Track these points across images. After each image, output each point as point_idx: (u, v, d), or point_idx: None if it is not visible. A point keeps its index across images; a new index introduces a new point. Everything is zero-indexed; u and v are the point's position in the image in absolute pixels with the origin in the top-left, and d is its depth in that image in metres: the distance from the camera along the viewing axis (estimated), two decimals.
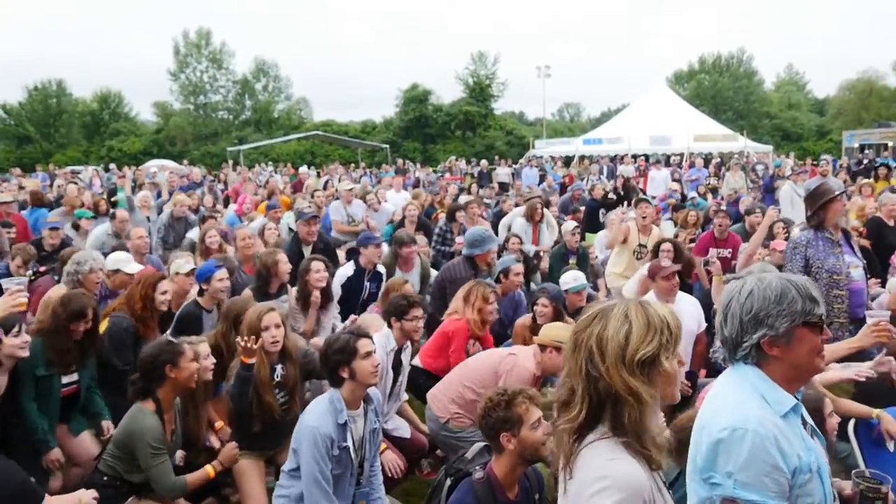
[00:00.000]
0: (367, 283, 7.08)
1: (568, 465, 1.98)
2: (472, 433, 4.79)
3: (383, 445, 4.59)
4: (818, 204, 5.46)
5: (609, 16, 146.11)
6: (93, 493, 3.23)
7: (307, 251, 7.48)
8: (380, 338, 4.77)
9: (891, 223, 8.25)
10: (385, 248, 7.90)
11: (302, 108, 64.59)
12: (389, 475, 4.58)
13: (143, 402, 3.98)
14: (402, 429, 5.18)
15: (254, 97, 62.29)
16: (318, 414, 3.77)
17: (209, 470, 4.10)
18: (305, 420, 3.80)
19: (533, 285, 8.07)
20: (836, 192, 5.51)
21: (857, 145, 33.60)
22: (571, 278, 6.51)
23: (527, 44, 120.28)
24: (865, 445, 4.13)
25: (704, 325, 5.94)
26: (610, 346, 1.93)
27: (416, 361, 5.72)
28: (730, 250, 8.41)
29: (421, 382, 5.54)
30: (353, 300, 6.90)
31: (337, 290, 6.75)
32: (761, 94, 60.69)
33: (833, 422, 3.80)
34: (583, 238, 9.76)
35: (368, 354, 3.80)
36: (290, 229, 9.63)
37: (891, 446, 4.03)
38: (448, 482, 3.53)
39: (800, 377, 2.17)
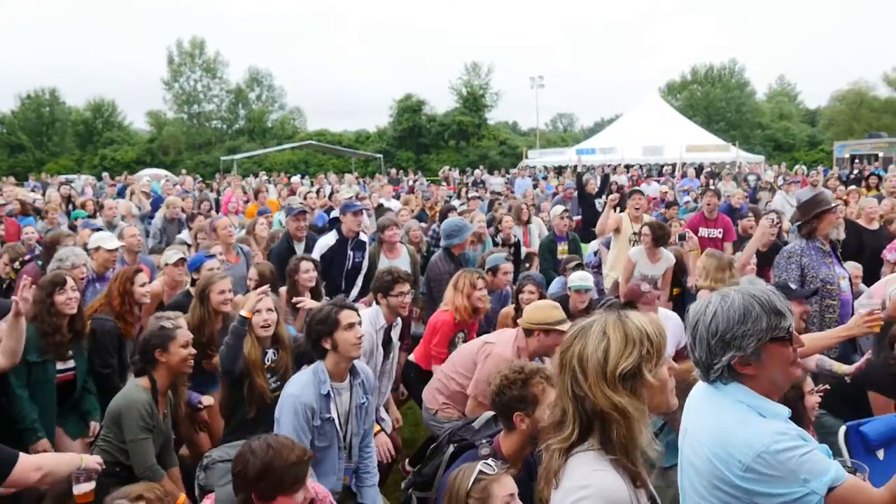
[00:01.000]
0: (350, 252, 7.07)
1: (554, 477, 1.98)
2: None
3: (377, 427, 4.55)
4: (812, 213, 5.48)
5: (602, 26, 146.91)
6: (97, 458, 3.19)
7: (299, 248, 7.42)
8: (369, 314, 4.75)
9: (872, 227, 8.30)
10: (366, 219, 7.90)
11: (296, 118, 64.71)
12: (381, 459, 4.53)
13: (140, 378, 3.99)
14: (388, 423, 5.14)
15: (247, 107, 62.34)
16: (301, 384, 3.78)
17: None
18: (287, 389, 3.81)
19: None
20: (832, 205, 5.56)
21: (847, 156, 33.74)
22: (577, 277, 6.34)
23: (520, 54, 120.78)
24: (856, 452, 4.13)
25: (684, 343, 5.86)
26: (590, 363, 1.93)
27: (412, 356, 5.72)
28: (720, 230, 8.45)
29: (412, 375, 5.58)
30: (336, 270, 6.88)
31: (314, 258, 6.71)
32: (753, 105, 61.00)
33: (812, 399, 3.81)
34: (578, 248, 9.63)
35: (351, 326, 3.79)
36: (281, 223, 9.67)
37: (881, 454, 4.04)
38: (451, 448, 3.46)
39: (778, 389, 2.15)
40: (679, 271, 7.43)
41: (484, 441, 3.31)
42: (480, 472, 2.76)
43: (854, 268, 6.77)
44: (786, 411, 2.11)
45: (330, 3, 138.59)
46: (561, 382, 2.02)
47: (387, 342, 4.98)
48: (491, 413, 3.49)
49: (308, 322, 3.89)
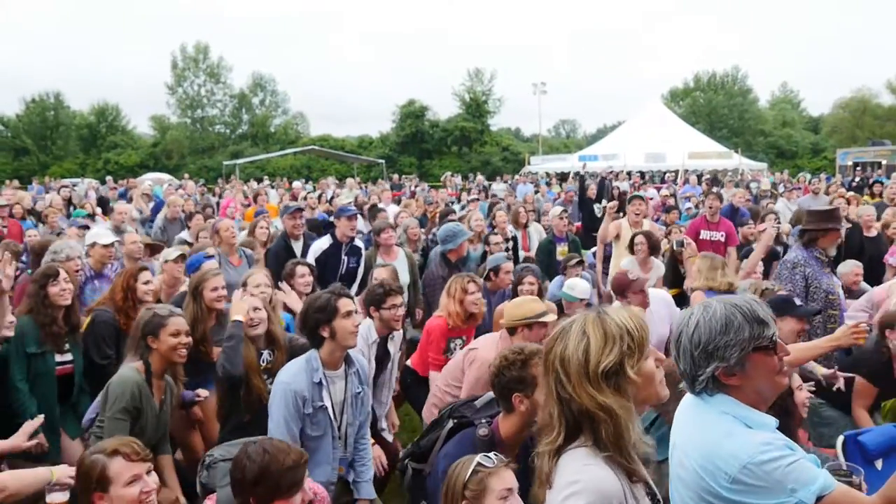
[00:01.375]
0: (344, 257, 7.04)
1: (547, 479, 1.97)
2: None
3: (371, 440, 4.50)
4: (821, 227, 5.47)
5: (605, 33, 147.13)
6: (70, 471, 3.11)
7: (297, 246, 7.42)
8: (361, 328, 4.65)
9: (871, 234, 8.41)
10: (361, 222, 7.86)
11: (299, 123, 64.81)
12: (375, 472, 4.48)
13: (136, 363, 4.01)
14: (388, 432, 5.12)
15: (251, 111, 62.47)
16: (293, 372, 3.78)
17: None
18: (279, 376, 3.82)
19: None
20: (841, 226, 5.64)
21: (850, 163, 33.72)
22: (569, 286, 6.26)
23: (523, 60, 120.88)
24: (853, 462, 4.11)
25: None
26: (572, 364, 1.92)
27: (409, 362, 5.69)
28: (722, 234, 8.41)
29: (409, 382, 5.57)
30: (330, 274, 6.84)
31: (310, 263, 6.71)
32: (756, 112, 60.95)
33: (802, 395, 3.81)
34: (578, 249, 9.59)
35: (349, 314, 3.78)
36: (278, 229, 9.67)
37: (879, 464, 4.02)
38: (450, 424, 3.44)
39: (765, 399, 2.12)
40: (677, 266, 7.45)
41: (483, 421, 3.27)
42: (479, 464, 2.73)
43: (855, 266, 6.86)
44: (773, 421, 2.09)
45: (333, 9, 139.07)
46: (546, 386, 2.01)
47: (383, 355, 4.91)
48: (492, 394, 3.44)
49: (305, 310, 3.86)
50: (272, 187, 24.26)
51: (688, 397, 2.25)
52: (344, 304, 3.78)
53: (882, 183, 16.02)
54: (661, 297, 5.85)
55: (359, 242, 7.28)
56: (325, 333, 3.77)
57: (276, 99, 63.55)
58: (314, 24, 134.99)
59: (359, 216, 8.26)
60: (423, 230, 9.93)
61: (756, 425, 2.04)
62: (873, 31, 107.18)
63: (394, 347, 5.01)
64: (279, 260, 6.63)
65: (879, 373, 4.66)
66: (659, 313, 5.54)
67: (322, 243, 7.11)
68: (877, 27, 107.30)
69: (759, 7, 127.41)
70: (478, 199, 14.61)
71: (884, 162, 32.24)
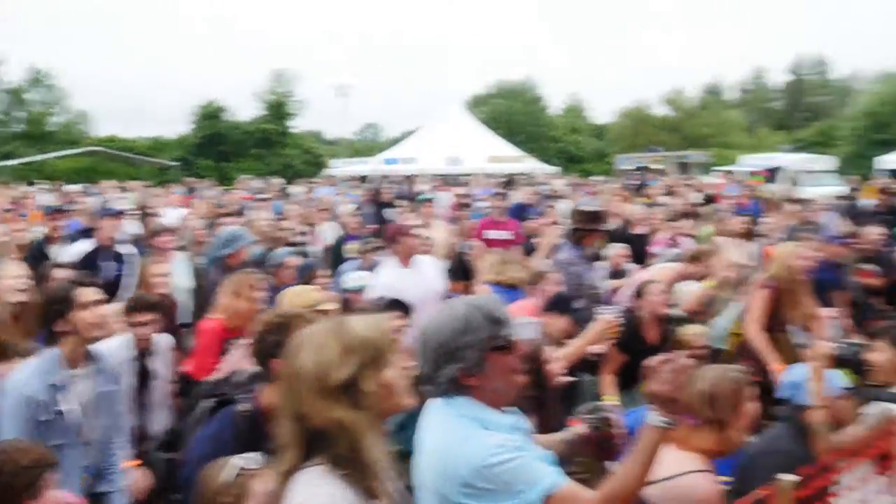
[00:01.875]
0: (109, 263, 6.43)
1: (277, 502, 1.83)
2: None
3: (137, 461, 4.03)
4: (587, 227, 5.80)
5: (413, 38, 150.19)
6: None
7: (57, 252, 6.82)
8: (119, 341, 4.28)
9: (638, 231, 9.15)
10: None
11: (81, 122, 59.86)
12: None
13: None
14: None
15: (26, 109, 56.89)
16: (27, 373, 3.37)
17: None
18: (10, 381, 3.38)
19: None
20: (604, 228, 6.11)
21: (630, 167, 36.64)
22: (353, 278, 6.23)
23: (329, 63, 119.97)
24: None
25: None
26: (306, 378, 1.78)
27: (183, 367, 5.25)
28: (510, 232, 8.78)
29: (185, 388, 5.08)
30: None
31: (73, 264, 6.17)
32: (547, 119, 64.83)
33: (553, 367, 3.94)
34: None
35: (90, 304, 3.42)
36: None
37: None
38: (207, 403, 3.16)
39: (503, 399, 2.12)
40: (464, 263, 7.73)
41: (243, 396, 3.04)
42: (238, 467, 2.46)
43: (620, 247, 7.54)
44: (510, 421, 2.08)
45: (123, 2, 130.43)
46: (281, 400, 1.87)
47: (144, 373, 4.46)
48: (255, 369, 3.22)
49: (41, 304, 3.50)
50: (51, 192, 22.24)
51: (433, 400, 2.19)
52: (83, 294, 3.42)
53: (650, 185, 17.65)
54: (426, 259, 6.27)
55: (124, 248, 6.67)
56: (64, 328, 3.38)
57: (55, 95, 58.30)
58: (104, 16, 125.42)
59: (135, 221, 7.74)
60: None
61: (493, 426, 2.02)
62: (652, 46, 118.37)
63: (159, 364, 4.58)
64: (35, 265, 5.94)
65: (626, 341, 4.93)
66: (427, 271, 5.96)
67: (81, 247, 6.51)
68: (658, 44, 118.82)
69: (554, 18, 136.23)
70: (269, 199, 14.21)
71: (657, 166, 35.33)
